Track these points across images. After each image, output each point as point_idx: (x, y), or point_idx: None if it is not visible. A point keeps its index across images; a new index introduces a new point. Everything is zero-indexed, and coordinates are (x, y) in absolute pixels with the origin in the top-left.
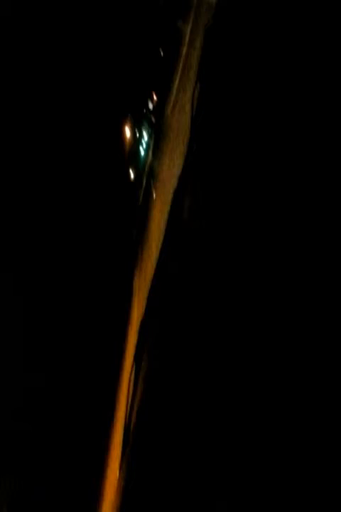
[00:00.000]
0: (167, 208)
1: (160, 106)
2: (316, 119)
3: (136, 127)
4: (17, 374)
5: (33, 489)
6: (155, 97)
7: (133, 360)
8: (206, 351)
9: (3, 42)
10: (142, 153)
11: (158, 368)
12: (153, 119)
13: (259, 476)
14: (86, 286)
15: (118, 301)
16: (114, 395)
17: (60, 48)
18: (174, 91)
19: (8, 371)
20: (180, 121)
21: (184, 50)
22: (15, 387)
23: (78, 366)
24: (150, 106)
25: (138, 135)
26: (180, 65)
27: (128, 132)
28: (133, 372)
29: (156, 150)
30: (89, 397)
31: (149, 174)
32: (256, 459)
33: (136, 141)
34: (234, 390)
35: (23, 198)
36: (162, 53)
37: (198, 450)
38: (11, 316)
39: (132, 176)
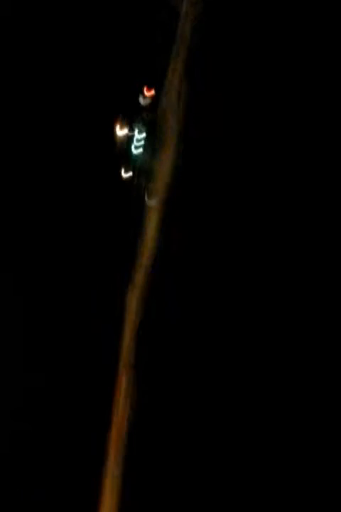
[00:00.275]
0: (162, 208)
1: (154, 102)
2: (308, 117)
3: (129, 123)
4: (17, 374)
5: (33, 489)
6: (148, 93)
7: (134, 360)
8: (205, 355)
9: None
10: (135, 151)
11: (157, 373)
12: (147, 116)
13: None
14: (84, 286)
15: (115, 299)
16: (113, 394)
17: (54, 45)
18: (166, 88)
19: (8, 371)
20: (171, 119)
21: (177, 44)
22: (15, 387)
23: (78, 366)
24: (144, 102)
25: (131, 133)
26: (173, 60)
27: (120, 130)
28: (133, 373)
29: (150, 148)
30: (89, 397)
31: (144, 173)
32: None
33: (130, 139)
34: (234, 399)
35: (15, 198)
36: (155, 47)
37: (198, 453)
38: (10, 316)
39: (126, 175)
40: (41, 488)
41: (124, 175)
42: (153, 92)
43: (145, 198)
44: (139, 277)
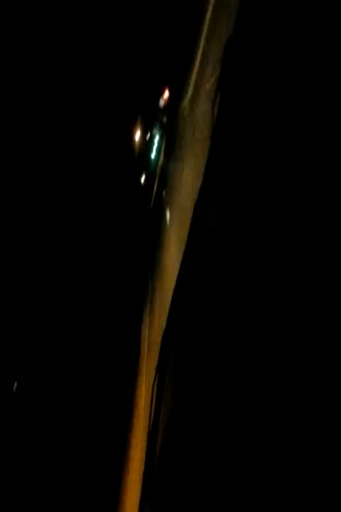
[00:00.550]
0: (184, 216)
1: (172, 105)
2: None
3: (146, 128)
4: (17, 374)
5: (33, 490)
6: (166, 95)
7: (156, 371)
8: (233, 364)
9: (3, 42)
10: (153, 156)
11: (184, 384)
12: (165, 120)
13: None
14: (90, 289)
15: (125, 304)
16: (119, 397)
17: (62, 44)
18: (190, 89)
19: (8, 371)
20: (199, 124)
21: (201, 43)
22: (15, 387)
23: (79, 366)
24: (162, 104)
25: (148, 137)
26: (197, 61)
27: (138, 134)
28: (156, 384)
29: (169, 152)
30: (90, 397)
31: (160, 178)
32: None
33: (147, 143)
34: (264, 409)
35: (29, 201)
36: (175, 46)
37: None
38: (11, 316)
39: (142, 180)
40: (41, 488)
41: (143, 181)
42: (168, 94)
43: (165, 211)
44: (162, 290)
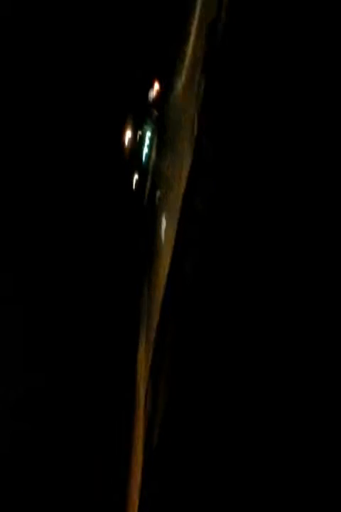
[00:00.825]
0: (176, 211)
1: (162, 97)
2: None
3: (136, 123)
4: (17, 374)
5: (33, 489)
6: (156, 87)
7: (150, 368)
8: (229, 359)
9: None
10: (144, 151)
11: (180, 378)
12: (156, 112)
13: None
14: (88, 289)
15: (122, 303)
16: (120, 396)
17: (58, 44)
18: (178, 79)
19: (8, 371)
20: (185, 114)
21: (192, 34)
22: (15, 387)
23: (79, 366)
24: (152, 97)
25: (139, 131)
26: (189, 52)
27: (128, 130)
28: (151, 380)
29: (160, 146)
30: (90, 397)
31: (153, 174)
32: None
33: (137, 138)
34: (265, 404)
35: (21, 201)
36: (165, 37)
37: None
38: (11, 316)
39: (135, 177)
40: (41, 488)
41: (135, 179)
42: (158, 86)
43: (160, 209)
44: (157, 292)
